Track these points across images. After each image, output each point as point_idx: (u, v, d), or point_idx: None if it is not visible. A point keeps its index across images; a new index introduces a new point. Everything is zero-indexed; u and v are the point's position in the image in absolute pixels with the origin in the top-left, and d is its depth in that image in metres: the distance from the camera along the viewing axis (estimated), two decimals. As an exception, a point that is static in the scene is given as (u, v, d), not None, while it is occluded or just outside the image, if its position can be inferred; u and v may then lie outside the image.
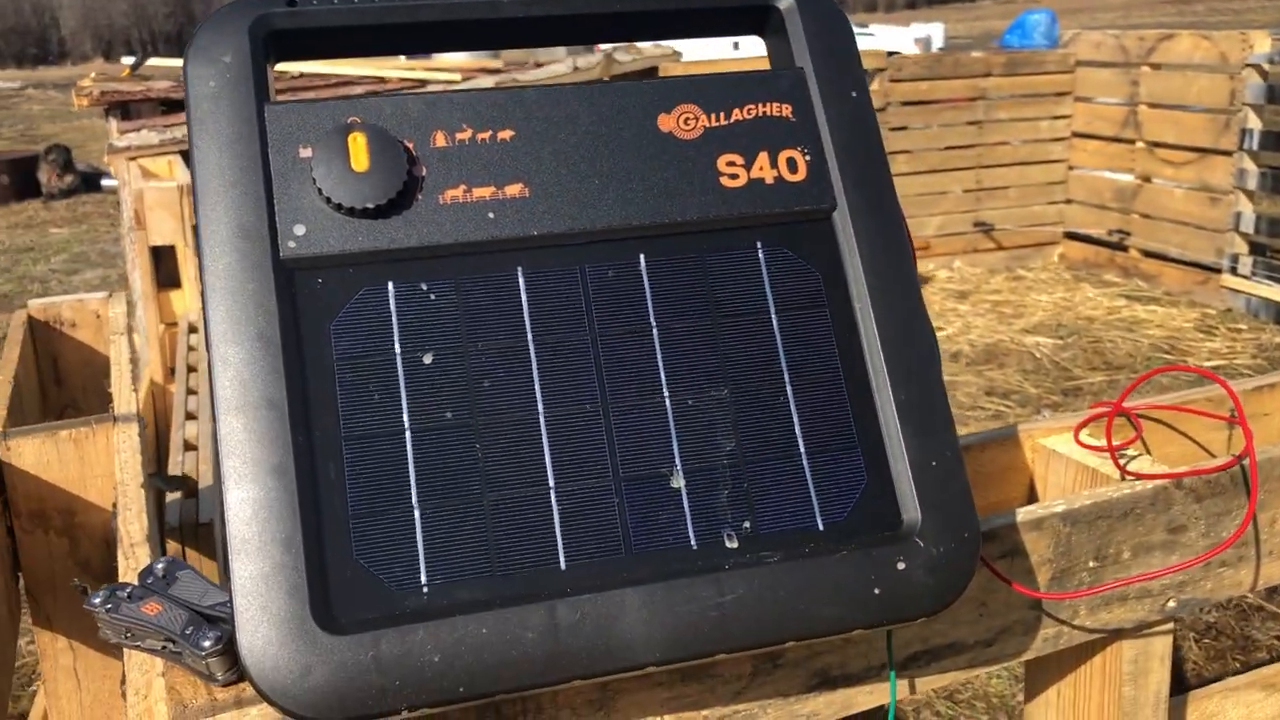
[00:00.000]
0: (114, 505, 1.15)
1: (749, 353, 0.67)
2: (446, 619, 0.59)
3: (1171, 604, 0.89)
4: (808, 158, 0.71)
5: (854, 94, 0.73)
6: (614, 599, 0.61)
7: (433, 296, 0.65)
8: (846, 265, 0.70)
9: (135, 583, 0.72)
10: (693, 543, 0.64)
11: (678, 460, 0.65)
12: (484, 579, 0.61)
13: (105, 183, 8.64)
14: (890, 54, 6.02)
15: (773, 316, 0.68)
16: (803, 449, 0.66)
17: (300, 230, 0.64)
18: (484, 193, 0.67)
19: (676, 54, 5.64)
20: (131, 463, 1.10)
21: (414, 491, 0.62)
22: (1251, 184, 5.58)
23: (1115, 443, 0.95)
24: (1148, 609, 0.88)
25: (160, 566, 0.72)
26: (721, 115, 0.71)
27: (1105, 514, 0.84)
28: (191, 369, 2.76)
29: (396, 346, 0.64)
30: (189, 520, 1.98)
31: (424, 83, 4.56)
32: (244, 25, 0.66)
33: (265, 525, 0.59)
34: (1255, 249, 5.72)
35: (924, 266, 6.13)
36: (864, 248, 0.70)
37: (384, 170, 0.64)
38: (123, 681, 1.21)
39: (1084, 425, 0.98)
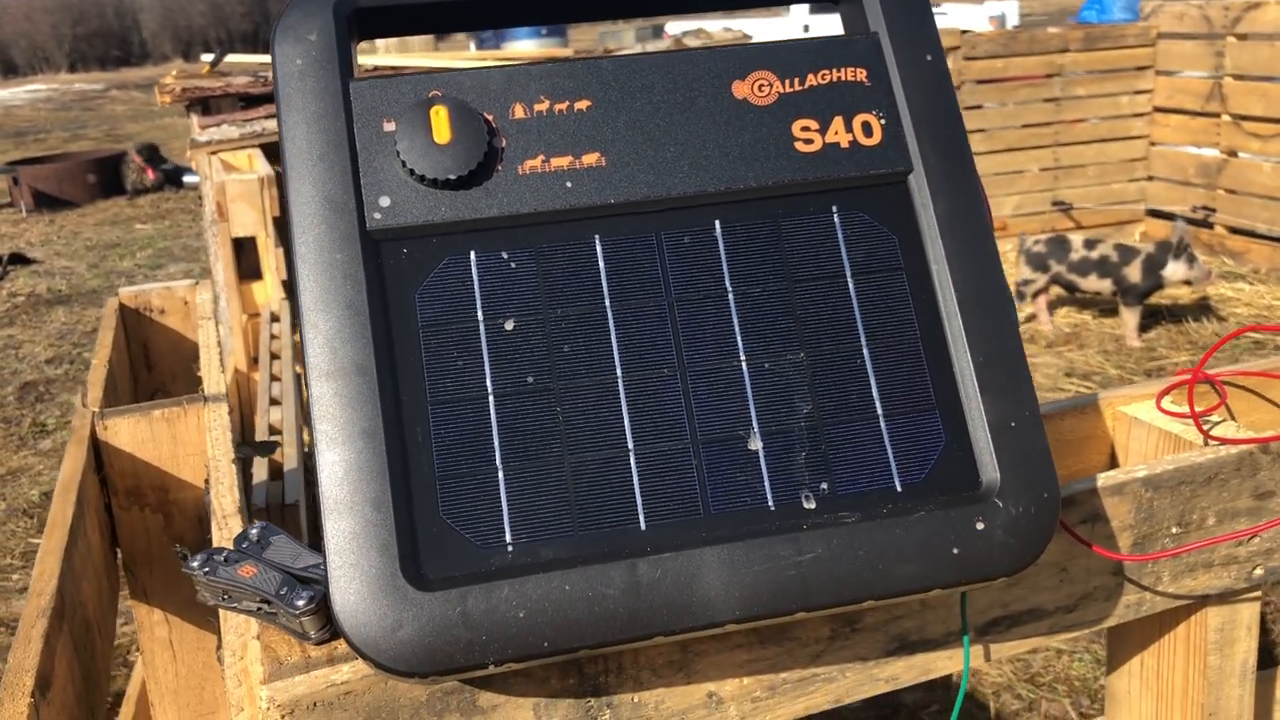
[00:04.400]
0: (206, 481, 1.19)
1: (825, 316, 0.68)
2: (531, 576, 0.61)
3: (1259, 571, 0.88)
4: (883, 121, 0.71)
5: (929, 57, 0.73)
6: (694, 558, 0.62)
7: (513, 265, 0.66)
8: (923, 228, 0.70)
9: (231, 548, 0.74)
10: (770, 504, 0.64)
11: (755, 423, 0.66)
12: (566, 538, 0.62)
13: (187, 179, 8.86)
14: (964, 32, 5.93)
15: (849, 280, 0.69)
16: (880, 411, 0.67)
17: (385, 202, 0.66)
18: (562, 162, 0.68)
19: (746, 38, 5.62)
20: (222, 440, 1.14)
21: (498, 453, 0.63)
22: (1343, 156, 5.39)
23: (1198, 409, 0.93)
24: (1233, 576, 0.87)
25: (255, 532, 0.74)
26: (796, 81, 0.71)
27: (1188, 479, 0.83)
28: (274, 356, 2.83)
29: (479, 313, 0.65)
30: (275, 502, 2.04)
31: (495, 72, 4.60)
32: (328, 4, 0.68)
33: (356, 486, 0.61)
34: (1347, 223, 5.54)
35: (1000, 246, 6.03)
36: (940, 210, 0.70)
37: (465, 142, 0.66)
38: (219, 648, 1.25)
39: (1166, 392, 0.97)
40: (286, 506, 2.02)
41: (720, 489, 0.64)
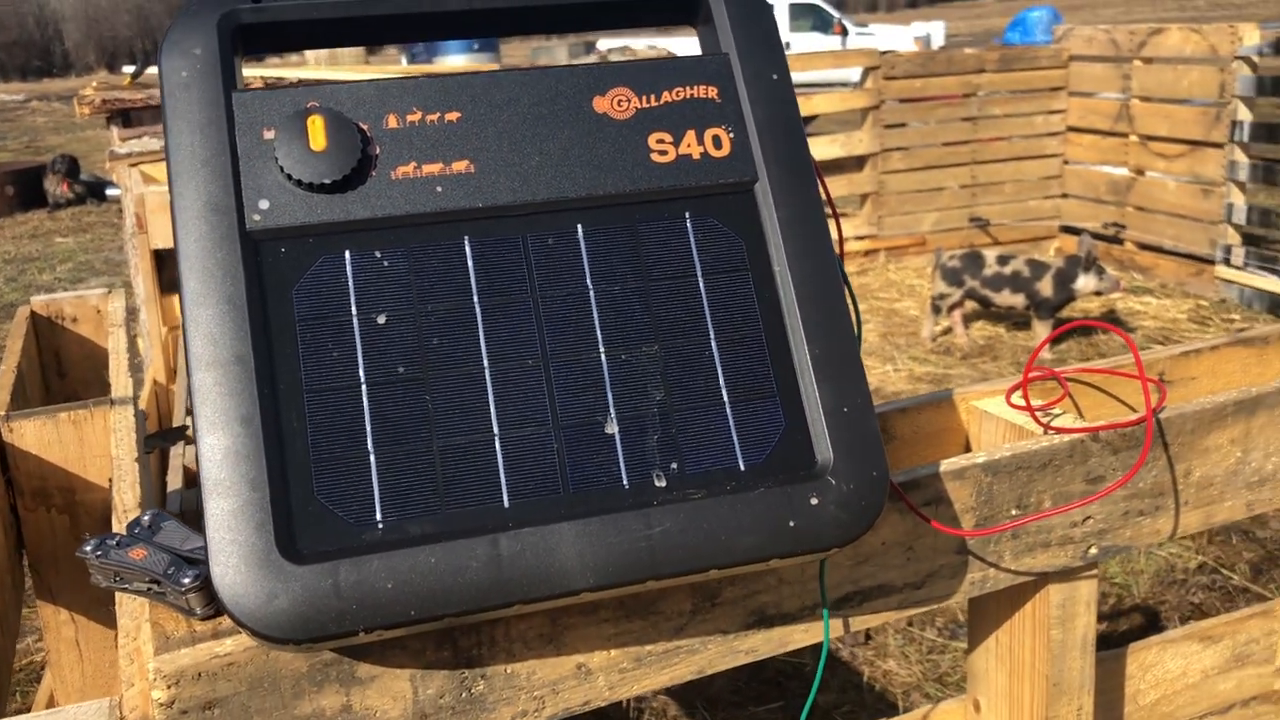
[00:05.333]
0: (110, 480, 1.22)
1: (677, 312, 0.74)
2: (399, 550, 0.66)
3: (1093, 550, 0.96)
4: (732, 135, 0.78)
5: (775, 76, 0.79)
6: (552, 532, 0.68)
7: (386, 264, 0.71)
8: (767, 232, 0.76)
9: (124, 533, 0.78)
10: (625, 482, 0.70)
11: (612, 409, 0.71)
12: (434, 515, 0.68)
13: (110, 192, 8.75)
14: (883, 53, 6.08)
15: (699, 279, 0.75)
16: (726, 398, 0.73)
17: (264, 205, 0.70)
18: (433, 169, 0.73)
19: (671, 55, 5.72)
20: (126, 440, 1.17)
21: (369, 438, 0.68)
22: (1243, 175, 5.63)
23: (1045, 403, 1.01)
24: (1070, 555, 0.95)
25: (146, 518, 0.78)
26: (652, 97, 0.77)
27: (1025, 465, 0.90)
28: (193, 367, 2.83)
29: (353, 309, 0.70)
30: (190, 508, 2.05)
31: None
32: (212, 20, 0.73)
33: (235, 468, 0.65)
34: (1248, 240, 5.78)
35: (919, 261, 6.19)
36: (783, 216, 0.76)
37: (340, 149, 0.71)
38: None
39: (1015, 389, 1.05)
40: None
41: (579, 469, 0.70)
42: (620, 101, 0.77)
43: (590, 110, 0.76)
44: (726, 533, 0.69)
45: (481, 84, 0.76)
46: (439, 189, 0.73)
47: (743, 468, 0.72)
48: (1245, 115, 5.60)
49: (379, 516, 0.67)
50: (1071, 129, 6.61)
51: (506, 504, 0.69)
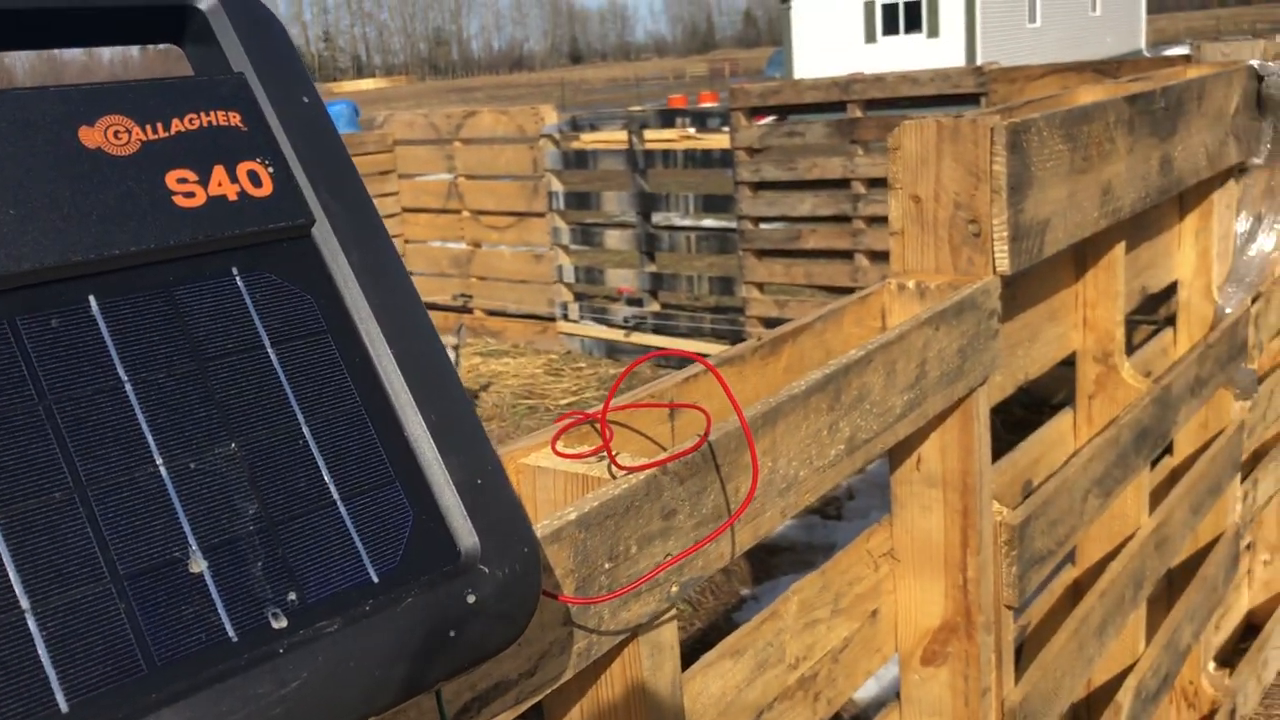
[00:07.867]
0: None
1: (252, 396, 0.56)
2: (-95, 827, 0.41)
3: (675, 589, 0.92)
4: (270, 169, 0.62)
5: (305, 99, 0.65)
6: (147, 729, 0.47)
7: None
8: (340, 284, 0.62)
9: None
10: (231, 634, 0.51)
11: (191, 539, 0.52)
12: (-49, 756, 0.44)
13: None
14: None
15: (269, 351, 0.58)
16: (336, 496, 0.57)
17: None
18: None
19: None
20: None
21: None
22: (565, 240, 6.22)
23: (590, 448, 0.96)
24: (658, 599, 0.90)
25: None
26: (159, 126, 0.59)
27: (611, 512, 0.84)
28: None
29: None
30: None
31: None
32: None
33: None
34: (578, 296, 6.40)
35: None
36: (355, 263, 0.62)
37: None
38: None
39: (556, 439, 0.98)
40: None
41: (163, 632, 0.50)
42: (117, 133, 0.58)
43: (78, 145, 0.56)
44: (380, 666, 0.53)
45: (-100, 114, 0.52)
46: None
47: (376, 579, 0.56)
48: (558, 186, 6.21)
49: None
50: (406, 209, 6.86)
51: (65, 709, 0.46)
